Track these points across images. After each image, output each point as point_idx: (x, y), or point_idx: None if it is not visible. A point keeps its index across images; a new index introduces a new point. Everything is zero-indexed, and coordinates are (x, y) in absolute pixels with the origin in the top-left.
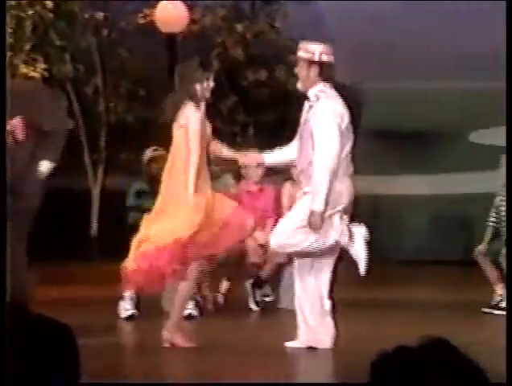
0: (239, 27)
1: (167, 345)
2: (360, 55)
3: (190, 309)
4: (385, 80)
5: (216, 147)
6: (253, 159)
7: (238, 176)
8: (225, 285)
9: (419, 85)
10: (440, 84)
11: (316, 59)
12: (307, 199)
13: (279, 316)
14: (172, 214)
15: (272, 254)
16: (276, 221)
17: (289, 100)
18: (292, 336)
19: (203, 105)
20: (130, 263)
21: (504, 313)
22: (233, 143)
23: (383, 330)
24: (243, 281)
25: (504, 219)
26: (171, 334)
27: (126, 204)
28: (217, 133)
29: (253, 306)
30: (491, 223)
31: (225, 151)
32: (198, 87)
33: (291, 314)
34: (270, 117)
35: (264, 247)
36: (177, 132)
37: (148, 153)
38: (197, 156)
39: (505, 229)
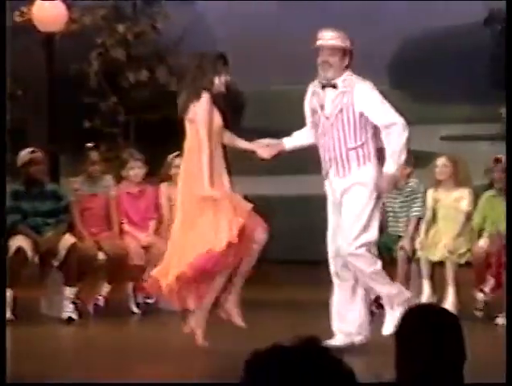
0: (120, 28)
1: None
2: (240, 56)
3: (69, 312)
4: (263, 80)
5: (230, 139)
6: (274, 150)
7: (118, 177)
8: (105, 288)
9: (295, 86)
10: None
11: (350, 47)
12: (358, 191)
13: (160, 317)
14: (202, 220)
15: (154, 256)
16: (159, 222)
17: (170, 100)
18: (175, 337)
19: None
20: (163, 276)
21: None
22: (114, 144)
23: (259, 329)
24: (125, 284)
25: (389, 210)
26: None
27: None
28: (98, 134)
29: (134, 309)
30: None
31: (241, 142)
32: (216, 80)
33: (172, 314)
34: (151, 117)
35: (146, 248)
36: (188, 127)
37: (25, 154)
38: (207, 148)
39: (390, 222)
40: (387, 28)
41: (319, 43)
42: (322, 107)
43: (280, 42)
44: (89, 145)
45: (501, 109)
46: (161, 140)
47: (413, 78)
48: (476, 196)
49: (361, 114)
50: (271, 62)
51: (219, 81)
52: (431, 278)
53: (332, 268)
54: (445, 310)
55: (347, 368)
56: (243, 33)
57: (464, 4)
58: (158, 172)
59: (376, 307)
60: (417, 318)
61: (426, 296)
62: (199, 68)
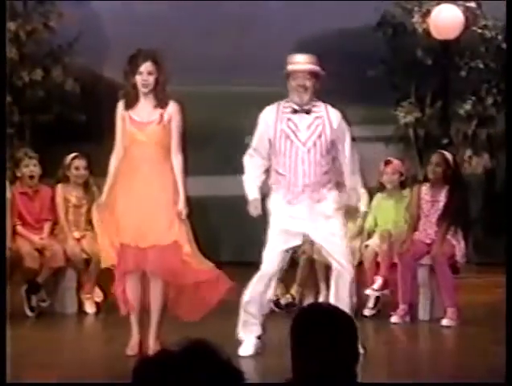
0: (11, 25)
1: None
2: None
3: None
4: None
5: None
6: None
7: (12, 178)
8: None
9: (187, 88)
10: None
11: (321, 72)
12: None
13: (56, 321)
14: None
15: (48, 258)
16: (54, 223)
17: (65, 100)
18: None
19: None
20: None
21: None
22: (9, 145)
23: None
24: (18, 287)
25: None
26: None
27: None
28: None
29: (28, 312)
30: None
31: None
32: (137, 79)
33: (68, 317)
34: (46, 117)
35: (41, 251)
36: None
37: None
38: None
39: None
40: (279, 29)
41: (294, 67)
42: (295, 132)
43: (172, 43)
44: None
45: (395, 112)
46: (56, 140)
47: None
48: (371, 198)
49: (333, 143)
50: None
51: (140, 79)
52: (327, 280)
53: None
54: (338, 309)
55: (235, 369)
56: (137, 33)
57: (356, 7)
58: (53, 173)
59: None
60: (310, 318)
61: (323, 297)
62: (125, 73)
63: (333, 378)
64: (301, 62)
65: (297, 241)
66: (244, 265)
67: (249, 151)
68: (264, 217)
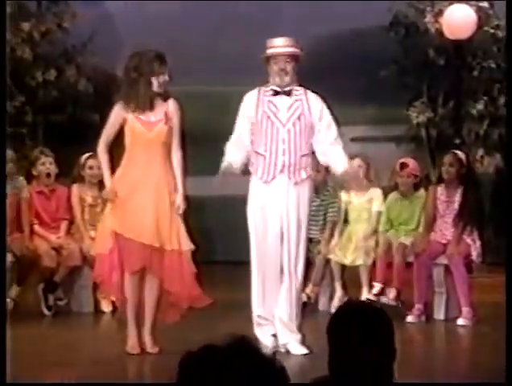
0: (25, 26)
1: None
2: None
3: None
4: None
5: None
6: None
7: (27, 177)
8: (14, 290)
9: (200, 86)
10: (228, 86)
11: (300, 53)
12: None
13: (73, 320)
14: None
15: (65, 257)
16: (70, 222)
17: (78, 100)
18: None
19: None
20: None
21: None
22: (22, 144)
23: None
24: (35, 285)
25: None
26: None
27: None
28: (5, 135)
29: (45, 311)
30: None
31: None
32: (154, 80)
33: (85, 316)
34: (59, 117)
35: (58, 250)
36: None
37: None
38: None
39: None
40: (290, 30)
41: (275, 51)
42: (275, 113)
43: (184, 42)
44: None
45: (407, 111)
46: (70, 140)
47: (318, 80)
48: (385, 198)
49: (312, 126)
50: (178, 62)
51: (157, 82)
52: (343, 279)
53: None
54: (375, 307)
55: (279, 366)
56: (149, 33)
57: (369, 7)
58: (66, 172)
59: None
60: (348, 316)
61: (338, 297)
62: (136, 69)
63: (371, 376)
64: (280, 45)
65: (276, 222)
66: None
67: (232, 138)
68: None
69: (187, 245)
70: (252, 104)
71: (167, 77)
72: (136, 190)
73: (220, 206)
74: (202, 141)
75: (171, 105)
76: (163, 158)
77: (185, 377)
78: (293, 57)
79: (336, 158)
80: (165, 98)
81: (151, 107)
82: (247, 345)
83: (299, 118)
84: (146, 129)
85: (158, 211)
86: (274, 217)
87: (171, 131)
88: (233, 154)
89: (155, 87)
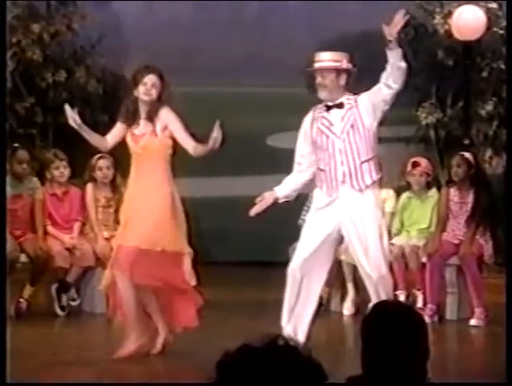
0: (35, 27)
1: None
2: (159, 57)
3: None
4: (180, 82)
5: None
6: (265, 203)
7: (43, 179)
8: (28, 290)
9: (208, 89)
10: (239, 88)
11: (345, 67)
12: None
13: (85, 320)
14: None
15: (78, 258)
16: (84, 223)
17: (88, 101)
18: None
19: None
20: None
21: None
22: (32, 145)
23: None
24: (48, 286)
25: None
26: None
27: None
28: (15, 136)
29: (58, 311)
30: (302, 222)
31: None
32: (135, 92)
33: (97, 317)
34: None
35: (71, 250)
36: None
37: None
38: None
39: None
40: (299, 31)
41: (315, 66)
42: (329, 128)
43: (195, 45)
44: (16, 145)
45: (416, 112)
46: (79, 141)
47: None
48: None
49: (368, 128)
50: (185, 63)
51: (142, 89)
52: (355, 280)
53: None
54: (408, 307)
55: (317, 365)
56: (158, 34)
57: (377, 7)
58: (76, 173)
59: None
60: (381, 316)
61: (350, 298)
62: (126, 87)
63: (404, 375)
64: (316, 60)
65: (330, 228)
66: (258, 265)
67: (294, 167)
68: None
69: (185, 248)
70: (307, 125)
71: (149, 86)
72: (130, 200)
73: (220, 207)
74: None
75: (162, 113)
76: (155, 171)
77: (224, 377)
78: (330, 71)
79: None
80: (154, 113)
81: (138, 120)
82: (285, 344)
83: (352, 126)
84: (134, 142)
85: (146, 220)
86: (332, 225)
87: (164, 143)
88: (290, 179)
89: (141, 95)
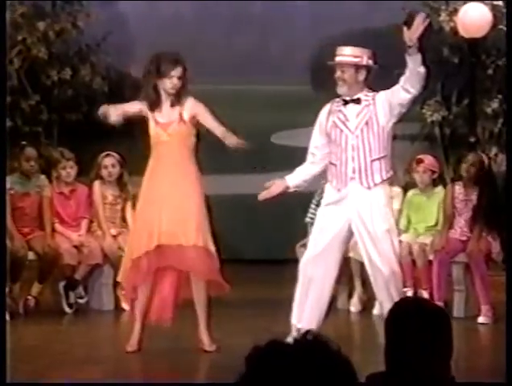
0: (40, 25)
1: None
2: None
3: None
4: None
5: None
6: (276, 189)
7: (50, 177)
8: (36, 288)
9: (212, 86)
10: (243, 86)
11: (364, 63)
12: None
13: (92, 317)
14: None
15: (86, 255)
16: (91, 221)
17: (93, 98)
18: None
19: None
20: None
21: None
22: (37, 143)
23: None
24: (56, 283)
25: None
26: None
27: None
28: (20, 133)
29: (66, 308)
30: (309, 220)
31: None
32: (159, 83)
33: (105, 314)
34: (74, 116)
35: (79, 248)
36: None
37: None
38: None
39: None
40: (303, 29)
41: (335, 60)
42: (344, 122)
43: (197, 41)
44: (24, 142)
45: (421, 110)
46: (85, 139)
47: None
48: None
49: (383, 127)
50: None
51: (169, 84)
52: (362, 277)
53: None
54: (433, 304)
55: (346, 360)
56: (162, 32)
57: (383, 5)
58: (81, 171)
59: None
60: (406, 313)
61: (357, 295)
62: (150, 71)
63: (427, 372)
64: (338, 54)
65: (340, 224)
66: (269, 263)
67: (308, 157)
68: (289, 217)
69: (206, 242)
70: (323, 118)
71: (175, 80)
72: (151, 192)
73: (230, 205)
74: (209, 140)
75: (188, 103)
76: (182, 160)
77: (254, 372)
78: (350, 66)
79: None
80: (181, 100)
81: (162, 107)
82: (315, 339)
83: (366, 124)
84: (162, 130)
85: (171, 212)
86: (342, 222)
87: (190, 131)
88: (301, 169)
89: (168, 88)
